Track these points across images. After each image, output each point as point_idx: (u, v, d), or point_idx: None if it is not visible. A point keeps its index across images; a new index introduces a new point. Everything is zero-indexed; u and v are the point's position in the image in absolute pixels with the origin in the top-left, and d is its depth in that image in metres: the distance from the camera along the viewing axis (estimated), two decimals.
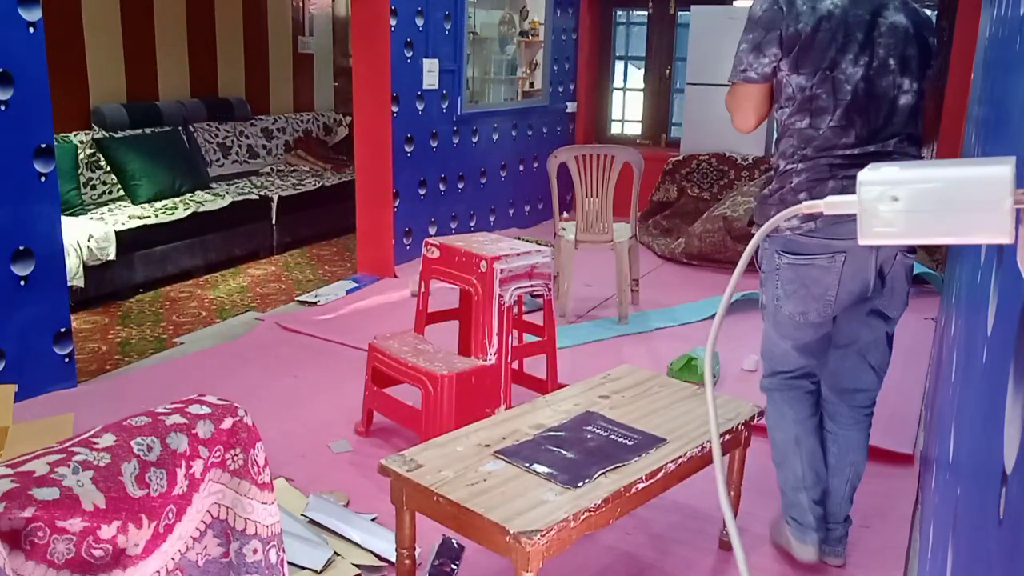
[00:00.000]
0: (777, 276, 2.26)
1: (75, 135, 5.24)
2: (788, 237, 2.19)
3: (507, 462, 2.04)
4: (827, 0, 2.15)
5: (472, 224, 6.26)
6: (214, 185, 5.93)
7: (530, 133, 6.91)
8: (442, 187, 5.85)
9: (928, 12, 2.52)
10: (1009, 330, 0.98)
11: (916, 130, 2.24)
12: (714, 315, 1.02)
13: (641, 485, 2.02)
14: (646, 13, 7.43)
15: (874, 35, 2.15)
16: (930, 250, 5.46)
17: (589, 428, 2.25)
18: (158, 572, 1.32)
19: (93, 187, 5.34)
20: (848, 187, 2.12)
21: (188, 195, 5.52)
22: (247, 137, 6.72)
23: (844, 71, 2.14)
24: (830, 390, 2.43)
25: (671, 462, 2.11)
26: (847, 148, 2.16)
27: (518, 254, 3.12)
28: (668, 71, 7.42)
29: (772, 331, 2.38)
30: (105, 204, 5.28)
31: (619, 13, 7.68)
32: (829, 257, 2.16)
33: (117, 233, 4.70)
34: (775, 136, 2.32)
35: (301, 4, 7.38)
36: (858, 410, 2.41)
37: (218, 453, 1.40)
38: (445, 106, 5.74)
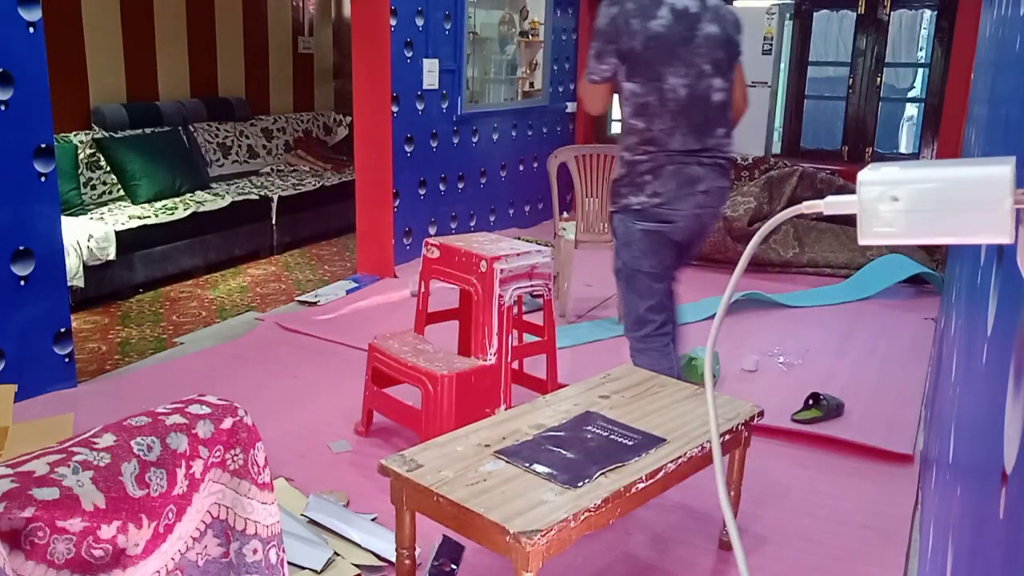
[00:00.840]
0: (632, 240, 2.77)
1: (75, 135, 5.24)
2: (640, 210, 2.73)
3: (507, 462, 2.04)
4: (655, 20, 2.57)
5: (472, 224, 6.26)
6: (214, 185, 5.93)
7: (530, 133, 6.90)
8: (442, 187, 5.85)
9: (735, 12, 2.83)
10: (1009, 330, 0.99)
11: (727, 119, 2.77)
12: (714, 315, 1.02)
13: (641, 485, 2.02)
14: None
15: (692, 47, 2.60)
16: (930, 250, 5.46)
17: (589, 428, 2.25)
18: (158, 572, 1.32)
19: (93, 187, 5.33)
20: (681, 169, 2.67)
21: (188, 195, 5.52)
22: (247, 137, 6.72)
23: (668, 82, 2.60)
24: None
25: (671, 462, 2.11)
26: (677, 144, 2.65)
27: (518, 254, 3.12)
28: None
29: (632, 293, 2.86)
30: (105, 204, 5.28)
31: None
32: (671, 224, 2.72)
33: (117, 233, 4.70)
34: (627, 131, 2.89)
35: (301, 4, 7.38)
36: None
37: (218, 453, 1.40)
38: (445, 106, 5.74)
